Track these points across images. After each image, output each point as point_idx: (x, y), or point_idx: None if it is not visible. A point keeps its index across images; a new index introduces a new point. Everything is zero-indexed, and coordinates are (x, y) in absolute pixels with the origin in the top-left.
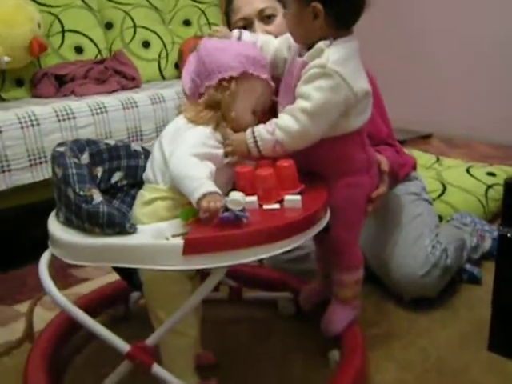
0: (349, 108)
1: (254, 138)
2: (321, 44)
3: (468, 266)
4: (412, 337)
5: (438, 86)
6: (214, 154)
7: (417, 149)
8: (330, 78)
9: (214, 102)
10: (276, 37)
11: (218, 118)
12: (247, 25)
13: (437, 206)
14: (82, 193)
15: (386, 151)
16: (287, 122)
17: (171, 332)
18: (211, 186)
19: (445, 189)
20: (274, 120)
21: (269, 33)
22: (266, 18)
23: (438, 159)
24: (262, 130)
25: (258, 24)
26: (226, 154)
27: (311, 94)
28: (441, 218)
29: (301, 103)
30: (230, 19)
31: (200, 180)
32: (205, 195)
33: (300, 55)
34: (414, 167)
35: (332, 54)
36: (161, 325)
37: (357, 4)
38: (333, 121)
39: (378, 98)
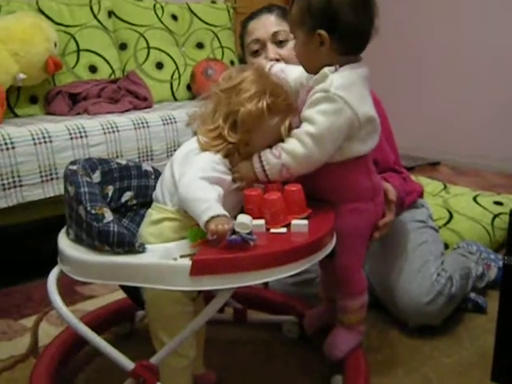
0: (353, 132)
1: (261, 162)
2: (325, 70)
3: (473, 295)
4: (415, 364)
5: (446, 114)
6: (223, 178)
7: (425, 176)
8: (333, 101)
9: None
10: (286, 62)
11: (231, 149)
12: (260, 47)
13: (443, 233)
14: (93, 211)
15: (393, 179)
16: (293, 146)
17: (171, 353)
18: (219, 209)
19: (451, 217)
20: (280, 144)
21: (281, 56)
22: (278, 41)
23: (445, 187)
24: (268, 154)
25: (270, 46)
26: (235, 180)
27: (315, 117)
28: (447, 246)
29: (306, 127)
30: (244, 41)
31: (208, 202)
32: (213, 218)
33: (308, 82)
34: (421, 195)
35: (336, 79)
36: (161, 345)
37: (363, 31)
38: (338, 144)
39: (385, 123)
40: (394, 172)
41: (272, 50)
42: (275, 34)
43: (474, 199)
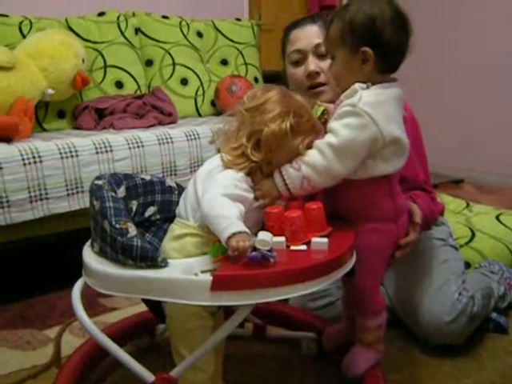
0: (376, 150)
1: (282, 177)
2: (356, 85)
3: (494, 315)
4: None
5: (470, 131)
6: (245, 196)
7: (448, 193)
8: (359, 116)
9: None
10: (326, 75)
11: (254, 167)
12: (301, 58)
13: (465, 252)
14: (117, 226)
15: (421, 198)
16: (313, 157)
17: (190, 367)
18: (240, 226)
19: (474, 235)
20: (300, 157)
21: (321, 69)
22: (320, 54)
23: (468, 205)
24: (288, 168)
25: (311, 58)
26: (257, 198)
27: (339, 130)
28: (469, 265)
29: (328, 138)
30: (286, 49)
31: (230, 219)
32: (234, 234)
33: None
34: (442, 213)
35: (365, 95)
36: (181, 358)
37: (402, 48)
38: (359, 159)
39: (419, 141)
40: (422, 190)
41: (313, 62)
42: (318, 45)
43: (497, 218)
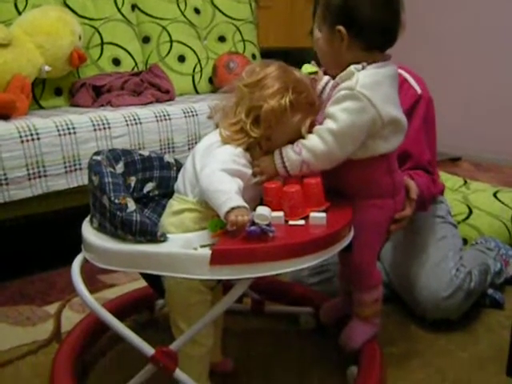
0: (375, 131)
1: (282, 158)
2: (351, 67)
3: (491, 291)
4: (430, 357)
5: (468, 110)
6: (244, 171)
7: (445, 171)
8: (357, 100)
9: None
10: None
11: (253, 143)
12: None
13: (462, 229)
14: (116, 201)
15: (421, 177)
16: (314, 142)
17: (189, 341)
18: (239, 201)
19: (471, 212)
20: (301, 140)
21: None
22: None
23: (465, 182)
24: (289, 150)
25: None
26: (255, 174)
27: (338, 115)
28: (466, 241)
29: (328, 124)
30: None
31: (229, 194)
32: (233, 209)
33: (334, 78)
34: (442, 193)
35: (362, 77)
36: (180, 332)
37: (384, 26)
38: (358, 142)
39: (431, 121)
40: (424, 171)
41: None
42: None
43: (495, 195)
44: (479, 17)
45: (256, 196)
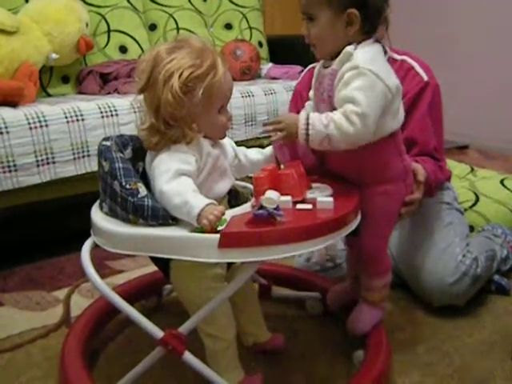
0: (387, 105)
1: (307, 125)
2: (347, 49)
3: (497, 277)
4: (437, 342)
5: (475, 98)
6: (186, 169)
7: (452, 159)
8: (365, 76)
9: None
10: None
11: (175, 137)
12: None
13: (469, 215)
14: (128, 186)
15: (427, 163)
16: (343, 123)
17: (209, 337)
18: (200, 202)
19: (477, 199)
20: (330, 114)
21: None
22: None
23: (472, 170)
24: (316, 119)
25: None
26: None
27: (355, 95)
28: (472, 228)
29: (350, 107)
30: None
31: (186, 204)
32: (199, 215)
33: (325, 67)
34: (449, 179)
35: (361, 54)
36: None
37: (384, 9)
38: (377, 119)
39: (438, 108)
40: (431, 157)
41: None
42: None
43: (501, 182)
44: (492, 7)
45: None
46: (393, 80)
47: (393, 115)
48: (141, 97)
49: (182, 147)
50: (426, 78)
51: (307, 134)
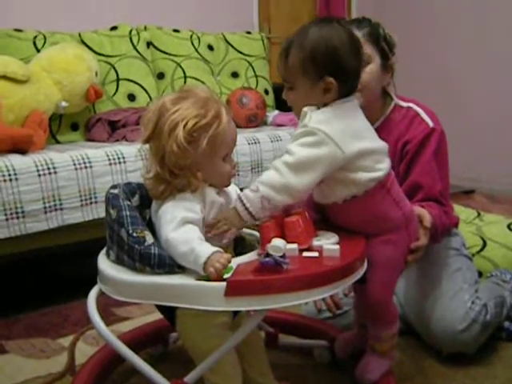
0: (346, 163)
1: (242, 201)
2: (304, 109)
3: (507, 324)
4: None
5: (480, 142)
6: (191, 215)
7: (459, 204)
8: (312, 134)
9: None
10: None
11: (181, 186)
12: None
13: (476, 261)
14: (135, 234)
15: (432, 209)
16: (270, 176)
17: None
18: (206, 250)
19: (485, 244)
20: (258, 179)
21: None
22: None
23: (478, 214)
24: (247, 191)
25: None
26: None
27: (294, 149)
28: (480, 274)
29: (284, 158)
30: None
31: (192, 252)
32: (206, 263)
33: None
34: (456, 225)
35: (315, 115)
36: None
37: (359, 71)
38: (316, 175)
39: (444, 155)
40: (436, 203)
41: None
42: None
43: (508, 227)
44: (488, 48)
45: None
46: (350, 145)
47: (369, 170)
48: (146, 146)
49: (187, 195)
50: (431, 124)
51: (247, 209)
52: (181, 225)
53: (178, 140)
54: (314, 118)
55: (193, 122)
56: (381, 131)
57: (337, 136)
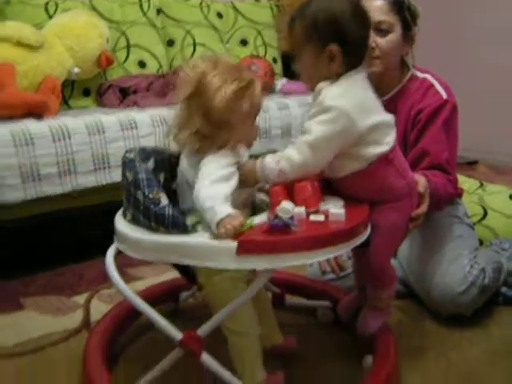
0: (358, 138)
1: (263, 169)
2: (319, 85)
3: (504, 289)
4: (444, 350)
5: (484, 113)
6: (231, 172)
7: (462, 174)
8: (328, 111)
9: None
10: (382, 52)
11: (221, 141)
12: None
13: (477, 230)
14: (150, 196)
15: (436, 177)
16: (291, 154)
17: (234, 333)
18: (222, 211)
19: (486, 213)
20: (279, 152)
21: (377, 45)
22: (380, 31)
23: (481, 185)
24: (269, 161)
25: (372, 34)
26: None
27: (312, 128)
28: (481, 242)
29: (303, 137)
30: None
31: (213, 210)
32: (219, 223)
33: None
34: (460, 196)
35: (329, 92)
36: (228, 332)
37: (365, 41)
38: (332, 153)
39: (454, 127)
40: (441, 171)
41: (372, 37)
42: (379, 22)
43: (510, 197)
44: (503, 20)
45: (245, 199)
46: (363, 118)
47: (376, 143)
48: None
49: (227, 152)
50: (445, 96)
51: (266, 177)
52: (215, 181)
53: (227, 95)
54: (329, 94)
55: (236, 83)
56: (397, 99)
57: (352, 111)
